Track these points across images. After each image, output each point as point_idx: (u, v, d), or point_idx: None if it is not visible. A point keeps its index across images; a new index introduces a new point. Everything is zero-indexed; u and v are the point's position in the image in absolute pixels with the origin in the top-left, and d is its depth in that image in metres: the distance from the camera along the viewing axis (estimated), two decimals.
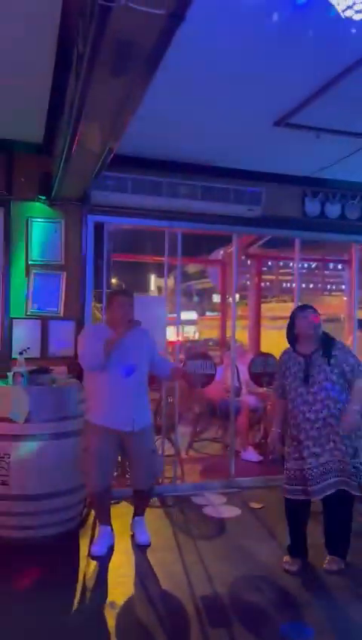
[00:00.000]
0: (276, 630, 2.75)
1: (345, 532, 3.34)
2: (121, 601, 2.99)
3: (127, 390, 3.47)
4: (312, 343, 3.30)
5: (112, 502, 3.89)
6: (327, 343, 3.28)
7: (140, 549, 3.61)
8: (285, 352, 3.45)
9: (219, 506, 4.47)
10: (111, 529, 3.67)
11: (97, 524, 3.75)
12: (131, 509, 3.88)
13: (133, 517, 3.80)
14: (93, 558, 3.46)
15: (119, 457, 4.07)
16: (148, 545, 3.64)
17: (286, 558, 3.40)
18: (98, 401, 3.52)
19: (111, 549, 3.57)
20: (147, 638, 2.69)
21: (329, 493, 3.18)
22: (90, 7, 2.04)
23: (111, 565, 3.41)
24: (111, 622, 2.80)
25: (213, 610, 2.91)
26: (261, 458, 5.67)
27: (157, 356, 3.77)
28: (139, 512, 3.80)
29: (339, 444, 3.19)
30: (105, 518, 3.67)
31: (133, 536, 3.74)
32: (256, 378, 5.51)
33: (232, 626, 2.78)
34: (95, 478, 3.53)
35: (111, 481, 3.71)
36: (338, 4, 2.21)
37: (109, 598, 3.03)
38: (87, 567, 3.38)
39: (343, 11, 2.24)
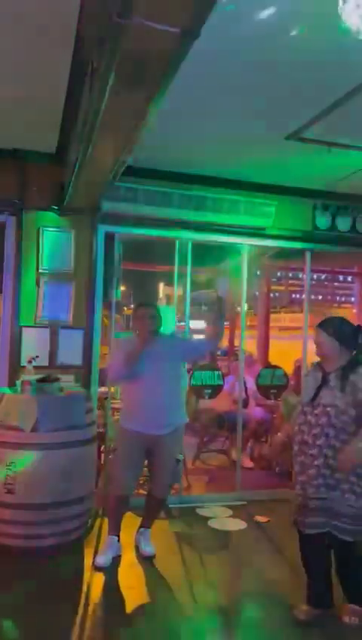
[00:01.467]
0: None
1: (357, 575, 2.94)
2: (124, 612, 2.98)
3: (160, 396, 3.51)
4: (334, 361, 2.95)
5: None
6: (349, 366, 2.89)
7: (145, 560, 3.58)
8: (313, 363, 3.19)
9: (225, 519, 4.44)
10: (119, 540, 3.64)
11: (105, 533, 3.70)
12: (136, 520, 3.83)
13: (139, 528, 3.77)
14: (98, 569, 3.44)
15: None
16: (153, 556, 3.62)
17: (304, 607, 2.94)
18: (131, 407, 3.61)
19: (116, 560, 3.54)
20: None
21: (316, 531, 2.86)
22: (105, 23, 2.07)
23: (115, 576, 3.39)
24: (114, 633, 2.78)
25: (216, 623, 2.89)
26: (251, 465, 5.74)
27: (192, 343, 4.12)
28: (146, 524, 3.77)
29: (328, 479, 2.81)
30: (114, 528, 3.64)
31: (137, 547, 3.71)
32: (263, 390, 5.48)
33: (234, 638, 2.75)
34: (120, 483, 3.57)
35: (134, 488, 3.71)
36: (353, 25, 2.22)
37: (113, 610, 3.01)
38: (91, 578, 3.36)
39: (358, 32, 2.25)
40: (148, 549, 3.66)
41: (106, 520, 3.85)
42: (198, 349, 3.98)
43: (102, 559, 3.49)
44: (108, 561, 3.49)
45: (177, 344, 3.86)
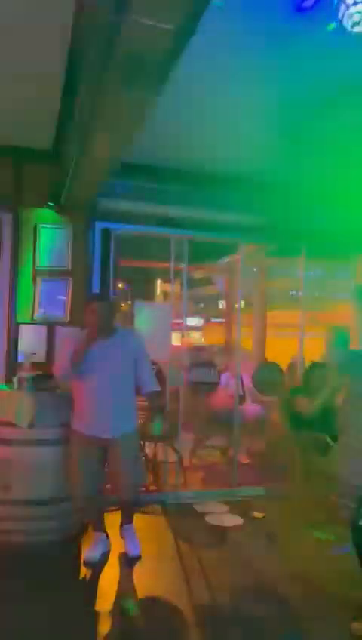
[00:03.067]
0: None
1: None
2: (119, 608, 3.00)
3: (106, 396, 3.40)
4: None
5: (114, 508, 3.87)
6: None
7: (135, 559, 3.56)
8: None
9: (221, 515, 4.46)
10: (107, 536, 3.65)
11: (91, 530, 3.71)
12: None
13: (121, 525, 3.72)
14: (87, 564, 3.45)
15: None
16: (139, 557, 3.55)
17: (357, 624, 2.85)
18: (79, 408, 3.49)
19: (105, 556, 3.56)
20: None
21: None
22: (100, 20, 2.07)
23: (110, 572, 3.41)
24: (108, 629, 2.80)
25: (213, 620, 2.91)
26: (248, 461, 5.74)
27: (140, 362, 3.52)
28: (125, 520, 3.71)
29: None
30: (97, 525, 3.64)
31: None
32: (259, 386, 5.50)
33: (230, 635, 2.77)
34: (78, 486, 3.49)
35: (97, 489, 3.55)
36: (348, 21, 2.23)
37: (107, 605, 3.03)
38: (87, 574, 3.38)
39: (352, 27, 2.26)
40: (131, 547, 3.59)
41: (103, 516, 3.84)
42: (139, 376, 3.53)
43: (91, 555, 3.50)
44: (97, 557, 3.49)
45: (132, 345, 3.54)
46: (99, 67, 2.25)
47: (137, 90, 2.35)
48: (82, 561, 3.50)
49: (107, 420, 3.41)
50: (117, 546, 3.67)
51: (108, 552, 3.61)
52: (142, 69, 2.18)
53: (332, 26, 2.39)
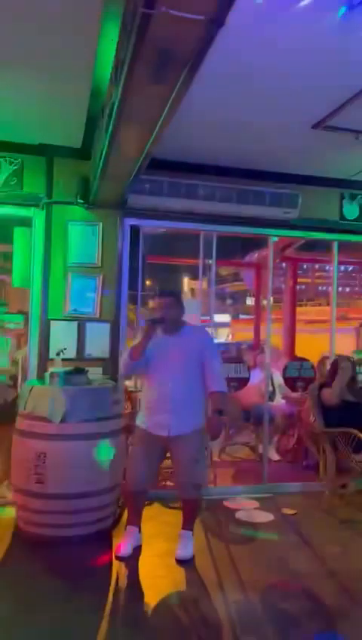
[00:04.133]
0: (309, 638, 2.72)
1: None
2: (151, 603, 3.01)
3: (166, 394, 3.42)
4: None
5: (146, 503, 3.89)
6: None
7: (171, 554, 3.55)
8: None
9: (252, 511, 4.44)
10: (139, 530, 3.66)
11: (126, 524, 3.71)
12: (162, 511, 3.88)
13: (182, 527, 3.64)
14: (118, 558, 3.47)
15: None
16: (185, 560, 3.47)
17: None
18: (144, 403, 3.59)
19: (137, 550, 3.57)
20: None
21: None
22: (130, 13, 2.07)
23: (142, 567, 3.43)
24: (140, 623, 2.82)
25: (245, 615, 2.89)
26: (279, 458, 5.71)
27: (208, 360, 3.44)
28: (184, 525, 3.60)
29: None
30: (134, 519, 3.65)
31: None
32: (290, 383, 5.45)
33: (264, 633, 2.75)
34: (131, 478, 3.56)
35: (148, 484, 3.61)
36: None
37: (139, 599, 3.05)
38: (120, 568, 3.41)
39: None
40: (180, 551, 3.50)
41: None
42: (206, 375, 3.43)
43: (123, 548, 3.51)
44: (129, 551, 3.51)
45: (198, 342, 3.51)
46: (128, 61, 2.25)
47: (166, 83, 2.34)
48: (113, 554, 3.53)
49: (167, 419, 3.41)
50: (151, 541, 3.69)
51: (140, 546, 3.63)
52: (171, 63, 2.17)
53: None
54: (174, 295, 3.61)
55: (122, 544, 3.56)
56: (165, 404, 3.42)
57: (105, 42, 2.82)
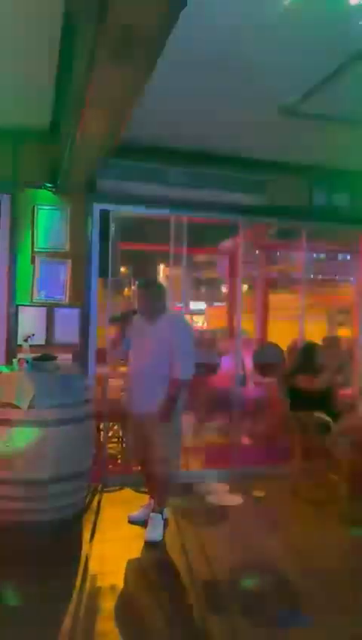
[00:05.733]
0: (274, 616, 2.78)
1: None
2: (119, 585, 3.03)
3: (140, 377, 3.70)
4: None
5: (117, 488, 3.93)
6: None
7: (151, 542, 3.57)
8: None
9: (222, 494, 4.50)
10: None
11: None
12: (135, 495, 3.94)
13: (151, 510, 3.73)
14: (131, 522, 3.75)
15: None
16: (154, 542, 3.52)
17: None
18: (127, 385, 3.90)
19: (110, 533, 3.64)
20: (145, 622, 2.72)
21: None
22: None
23: (110, 551, 3.44)
24: (108, 606, 2.83)
25: (212, 595, 2.95)
26: (248, 442, 5.75)
27: (173, 348, 3.57)
28: (153, 507, 3.71)
29: None
30: (148, 490, 3.92)
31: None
32: (259, 368, 5.51)
33: (230, 610, 2.81)
34: (130, 453, 4.15)
35: (139, 455, 3.88)
36: None
37: (108, 583, 3.06)
38: (89, 553, 3.42)
39: None
40: (148, 534, 3.58)
41: (105, 495, 4.19)
42: (171, 366, 3.59)
43: (133, 514, 3.81)
44: (139, 517, 3.76)
45: (167, 335, 3.62)
46: (91, 40, 2.21)
47: (129, 65, 2.32)
48: (128, 518, 3.78)
49: (139, 398, 3.70)
50: (119, 526, 3.71)
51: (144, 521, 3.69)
52: (134, 41, 2.15)
53: None
54: (154, 286, 3.93)
55: (137, 511, 3.81)
56: (139, 386, 3.70)
57: (70, 18, 2.76)
